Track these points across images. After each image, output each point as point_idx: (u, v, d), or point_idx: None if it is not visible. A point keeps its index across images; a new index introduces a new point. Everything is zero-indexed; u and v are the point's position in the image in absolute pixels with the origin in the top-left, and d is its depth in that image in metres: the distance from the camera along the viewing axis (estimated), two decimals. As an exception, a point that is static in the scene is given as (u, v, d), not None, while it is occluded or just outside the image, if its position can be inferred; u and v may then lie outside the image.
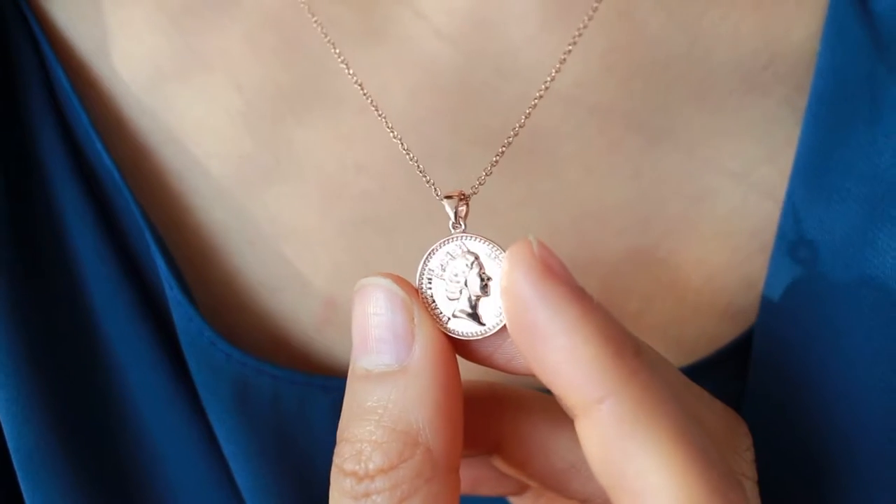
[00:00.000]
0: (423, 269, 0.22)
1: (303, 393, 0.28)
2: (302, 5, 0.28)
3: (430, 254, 0.22)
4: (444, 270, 0.22)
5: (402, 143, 0.25)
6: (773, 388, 0.27)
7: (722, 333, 0.30)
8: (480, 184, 0.24)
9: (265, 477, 0.28)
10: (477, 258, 0.21)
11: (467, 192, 0.23)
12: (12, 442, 0.28)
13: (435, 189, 0.24)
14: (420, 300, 0.20)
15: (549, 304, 0.18)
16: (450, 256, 0.22)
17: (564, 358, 0.18)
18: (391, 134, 0.25)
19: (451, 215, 0.23)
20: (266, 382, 0.28)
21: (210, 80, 0.30)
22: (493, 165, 0.24)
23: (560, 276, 0.18)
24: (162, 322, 0.29)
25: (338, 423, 0.29)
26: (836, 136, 0.27)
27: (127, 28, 0.30)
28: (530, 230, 0.29)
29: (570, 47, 0.25)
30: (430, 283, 0.22)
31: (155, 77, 0.30)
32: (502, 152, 0.25)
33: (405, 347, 0.19)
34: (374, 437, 0.19)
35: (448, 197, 0.23)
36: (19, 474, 0.28)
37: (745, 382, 0.28)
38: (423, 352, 0.19)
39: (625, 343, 0.18)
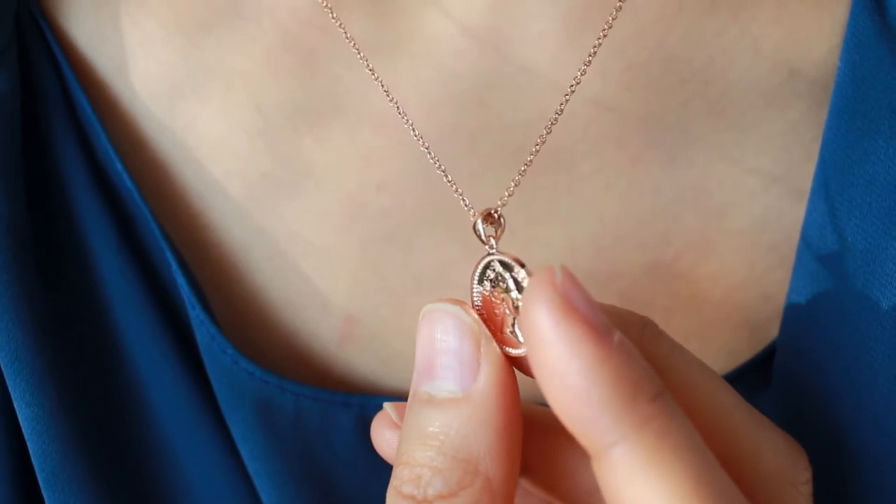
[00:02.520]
0: (473, 288, 0.22)
1: (324, 410, 0.29)
2: (315, 26, 0.28)
3: (475, 273, 0.22)
4: (489, 288, 0.21)
5: (433, 158, 0.25)
6: (796, 403, 0.27)
7: (741, 347, 0.30)
8: (510, 195, 0.24)
9: (288, 493, 0.29)
10: (512, 278, 0.21)
11: (496, 208, 0.23)
12: (37, 460, 0.28)
13: (465, 201, 0.24)
14: (486, 328, 0.20)
15: (565, 343, 0.18)
16: (491, 273, 0.22)
17: (577, 398, 0.17)
18: (423, 149, 0.25)
19: (482, 234, 0.23)
20: (288, 400, 0.28)
21: (229, 98, 0.30)
22: (521, 175, 0.24)
23: (581, 312, 0.18)
24: (185, 340, 0.30)
25: (358, 439, 0.29)
26: (857, 150, 0.27)
27: (146, 47, 0.30)
28: (550, 246, 0.29)
29: (585, 67, 0.25)
30: (479, 301, 0.22)
31: (174, 96, 0.30)
32: (530, 161, 0.24)
33: (470, 375, 0.20)
34: (434, 464, 0.19)
35: (488, 216, 0.23)
36: (44, 492, 0.28)
37: (767, 397, 0.28)
38: (487, 381, 0.19)
39: (642, 387, 0.18)
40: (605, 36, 0.26)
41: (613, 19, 0.26)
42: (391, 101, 0.26)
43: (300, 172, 0.30)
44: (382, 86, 0.26)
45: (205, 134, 0.30)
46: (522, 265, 0.21)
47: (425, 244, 0.29)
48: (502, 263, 0.21)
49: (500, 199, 0.23)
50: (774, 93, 0.28)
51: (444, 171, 0.25)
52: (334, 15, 0.27)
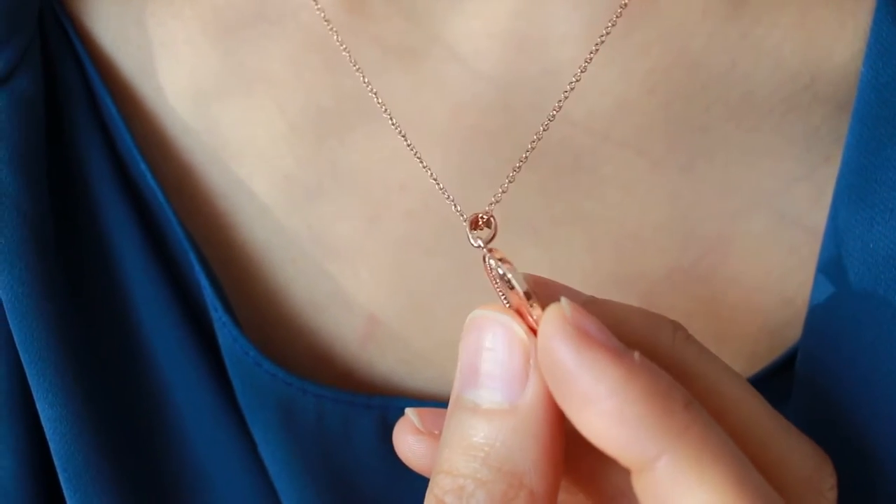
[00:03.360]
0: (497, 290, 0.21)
1: (346, 412, 0.29)
2: (339, 29, 0.29)
3: (493, 276, 0.22)
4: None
5: (423, 165, 0.25)
6: (819, 409, 0.27)
7: (760, 350, 0.30)
8: (496, 201, 0.24)
9: (309, 495, 0.29)
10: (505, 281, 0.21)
11: (483, 213, 0.23)
12: (60, 461, 0.28)
13: (456, 207, 0.24)
14: (535, 340, 0.20)
15: (590, 370, 0.18)
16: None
17: (613, 421, 0.18)
18: (415, 157, 0.25)
19: (471, 240, 0.23)
20: (310, 402, 0.28)
21: (253, 100, 0.30)
22: (515, 172, 0.24)
23: (597, 339, 0.18)
24: (208, 341, 0.30)
25: (380, 442, 0.29)
26: (879, 155, 0.27)
27: (170, 49, 0.30)
28: (571, 247, 0.30)
29: (586, 63, 0.25)
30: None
31: (198, 98, 0.30)
32: (519, 167, 0.25)
33: (518, 388, 0.19)
34: (478, 475, 0.19)
35: (474, 222, 0.23)
36: (67, 493, 0.28)
37: (788, 403, 0.28)
38: (535, 395, 0.19)
39: (673, 397, 0.18)
40: (607, 32, 0.26)
41: (618, 17, 0.26)
42: (388, 116, 0.26)
43: (323, 174, 0.30)
44: (379, 102, 0.26)
45: (229, 135, 0.30)
46: (506, 262, 0.21)
47: (447, 246, 0.30)
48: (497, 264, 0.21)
49: (490, 201, 0.24)
50: (796, 97, 0.29)
51: (435, 179, 0.25)
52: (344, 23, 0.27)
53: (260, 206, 0.30)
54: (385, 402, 0.29)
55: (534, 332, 0.20)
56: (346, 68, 0.30)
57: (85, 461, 0.28)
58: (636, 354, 0.18)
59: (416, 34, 0.29)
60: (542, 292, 0.21)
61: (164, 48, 0.30)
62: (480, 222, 0.23)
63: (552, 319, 0.18)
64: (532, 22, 0.28)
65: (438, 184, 0.25)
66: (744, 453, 0.19)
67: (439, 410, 0.22)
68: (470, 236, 0.23)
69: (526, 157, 0.25)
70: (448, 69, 0.29)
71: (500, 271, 0.21)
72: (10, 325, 0.28)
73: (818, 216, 0.29)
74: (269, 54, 0.30)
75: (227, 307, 0.29)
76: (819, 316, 0.27)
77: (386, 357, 0.30)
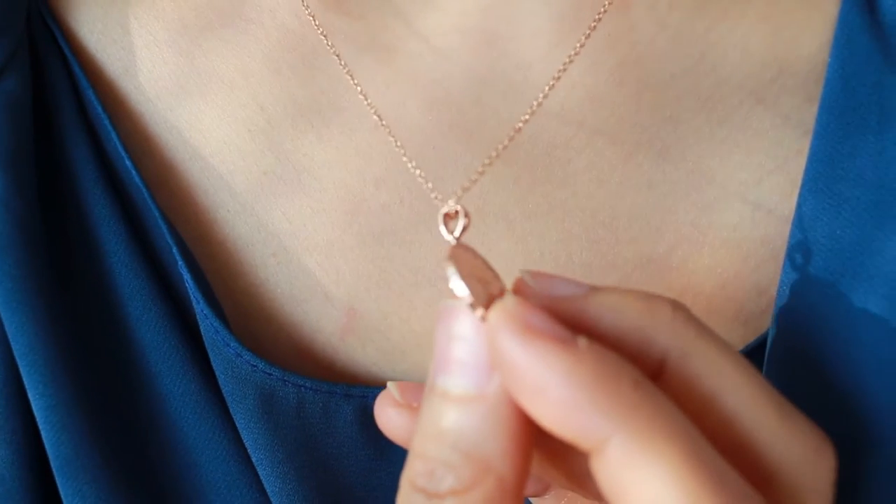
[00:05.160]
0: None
1: (326, 401, 0.29)
2: (315, 26, 0.29)
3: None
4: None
5: (400, 148, 0.26)
6: (789, 394, 0.27)
7: (734, 340, 0.30)
8: (464, 190, 0.24)
9: (291, 483, 0.29)
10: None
11: (455, 208, 0.23)
12: (51, 449, 0.29)
13: (436, 196, 0.24)
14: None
15: (536, 361, 0.18)
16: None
17: (564, 406, 0.18)
18: (396, 145, 0.26)
19: (444, 233, 0.23)
20: (291, 391, 0.29)
21: (232, 97, 0.31)
22: (480, 174, 0.24)
23: (542, 330, 0.19)
24: (193, 333, 0.31)
25: (360, 430, 0.30)
26: (846, 145, 0.27)
27: (152, 49, 0.31)
28: (545, 239, 0.30)
29: (571, 58, 0.25)
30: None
31: (180, 95, 0.31)
32: (495, 156, 0.25)
33: (486, 375, 0.20)
34: (448, 460, 0.19)
35: (445, 216, 0.23)
36: (58, 480, 0.29)
37: None
38: (502, 381, 0.19)
39: (621, 379, 0.18)
40: (591, 30, 0.26)
41: (596, 21, 0.26)
42: (370, 107, 0.26)
43: (301, 169, 0.30)
44: (362, 92, 0.27)
45: (209, 132, 0.31)
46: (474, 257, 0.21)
47: (424, 238, 0.30)
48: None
49: (458, 192, 0.24)
50: (765, 88, 0.29)
51: (415, 166, 0.25)
52: (317, 22, 0.27)
53: (240, 201, 0.31)
54: (365, 392, 0.30)
55: None
56: (322, 64, 0.30)
57: (74, 450, 0.29)
58: (582, 340, 0.19)
59: (391, 31, 0.30)
60: (542, 285, 0.21)
61: (146, 49, 0.31)
62: (453, 214, 0.23)
63: (497, 316, 0.19)
64: (503, 18, 0.29)
65: (421, 175, 0.25)
66: (739, 431, 0.19)
67: (419, 385, 0.23)
68: (444, 231, 0.23)
69: (503, 149, 0.25)
70: (422, 65, 0.29)
71: (448, 279, 0.21)
72: (3, 320, 0.29)
73: (790, 207, 0.30)
74: (247, 52, 0.30)
75: (210, 300, 0.30)
76: (788, 303, 0.28)
77: (366, 348, 0.31)
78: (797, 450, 0.21)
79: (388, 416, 0.23)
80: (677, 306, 0.21)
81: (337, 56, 0.30)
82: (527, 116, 0.25)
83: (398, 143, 0.26)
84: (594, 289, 0.21)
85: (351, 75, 0.30)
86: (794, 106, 0.29)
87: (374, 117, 0.30)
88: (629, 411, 0.18)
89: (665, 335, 0.20)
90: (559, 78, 0.26)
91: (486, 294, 0.21)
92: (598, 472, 0.18)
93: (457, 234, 0.23)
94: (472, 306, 0.20)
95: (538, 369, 0.18)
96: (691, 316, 0.21)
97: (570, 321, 0.20)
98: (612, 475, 0.18)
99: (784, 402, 0.21)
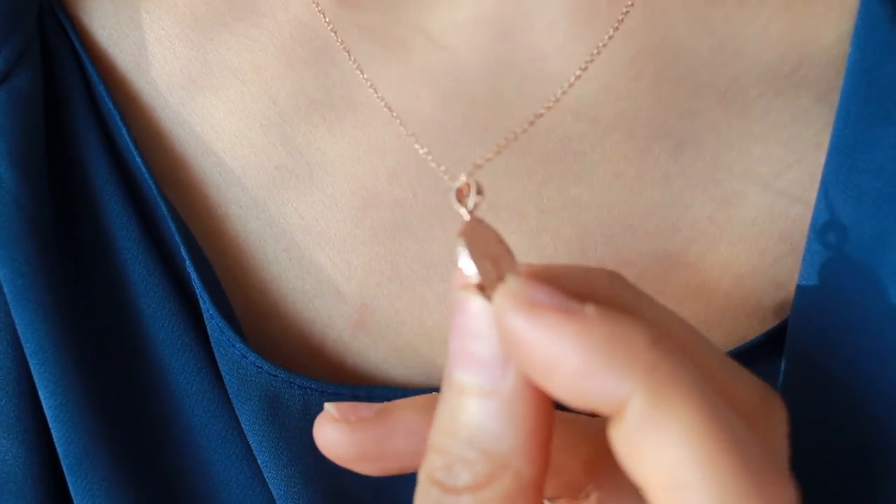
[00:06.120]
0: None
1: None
2: (327, 20, 0.29)
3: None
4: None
5: (407, 131, 0.25)
6: (807, 386, 0.27)
7: (751, 335, 0.30)
8: (476, 167, 0.23)
9: (297, 486, 0.29)
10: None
11: (467, 182, 0.23)
12: (62, 448, 0.29)
13: (445, 176, 0.24)
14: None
15: (545, 334, 0.18)
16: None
17: (579, 377, 0.18)
18: (407, 136, 0.25)
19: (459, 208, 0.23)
20: (296, 394, 0.29)
21: (245, 91, 0.30)
22: (496, 153, 0.24)
23: (547, 304, 0.18)
24: (203, 331, 0.30)
25: None
26: (866, 137, 0.27)
27: (164, 43, 0.31)
28: (559, 234, 0.30)
29: (593, 57, 0.25)
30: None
31: (192, 90, 0.31)
32: (513, 138, 0.24)
33: (500, 370, 0.19)
34: (465, 455, 0.19)
35: (458, 192, 0.23)
36: (69, 479, 0.29)
37: (777, 376, 0.28)
38: (517, 376, 0.19)
39: (635, 339, 0.18)
40: (615, 30, 0.26)
41: (623, 14, 0.26)
42: (381, 101, 0.26)
43: (314, 164, 0.30)
44: (370, 85, 0.26)
45: (221, 127, 0.30)
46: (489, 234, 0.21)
47: (437, 233, 0.30)
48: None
49: (470, 168, 0.23)
50: (784, 81, 0.28)
51: (429, 158, 0.25)
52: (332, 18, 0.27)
53: (252, 196, 0.30)
54: (371, 392, 0.29)
55: None
56: (335, 58, 0.30)
57: (84, 448, 0.29)
58: (589, 308, 0.18)
59: (404, 24, 0.29)
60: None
61: (158, 43, 0.31)
62: (466, 190, 0.23)
63: (501, 298, 0.19)
64: (517, 10, 0.28)
65: (433, 160, 0.25)
66: None
67: (356, 404, 0.23)
68: (457, 206, 0.23)
69: (522, 132, 0.24)
70: (435, 58, 0.29)
71: (458, 257, 0.21)
72: (13, 318, 0.29)
73: (809, 201, 0.29)
74: (259, 45, 0.30)
75: (217, 299, 0.29)
76: (807, 296, 0.27)
77: (377, 345, 0.30)
78: (748, 402, 0.21)
79: (325, 433, 0.23)
80: (613, 275, 0.21)
81: (348, 51, 0.30)
82: (543, 111, 0.25)
83: (412, 137, 0.26)
84: (530, 266, 0.21)
85: (363, 69, 0.29)
86: (813, 98, 0.29)
87: (387, 111, 0.30)
88: (647, 369, 0.18)
89: (604, 297, 0.20)
90: (580, 76, 0.25)
91: (496, 275, 0.20)
92: (617, 437, 0.18)
93: (470, 207, 0.22)
94: (481, 287, 0.20)
95: (548, 342, 0.18)
96: (629, 284, 0.21)
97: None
98: (632, 438, 0.18)
99: (731, 361, 0.21)
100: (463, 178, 0.23)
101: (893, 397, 0.26)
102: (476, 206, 0.22)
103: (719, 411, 0.17)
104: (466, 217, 0.22)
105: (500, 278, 0.20)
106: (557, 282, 0.20)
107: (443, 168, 0.24)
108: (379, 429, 0.23)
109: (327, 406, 0.23)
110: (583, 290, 0.20)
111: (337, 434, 0.22)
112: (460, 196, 0.23)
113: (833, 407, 0.27)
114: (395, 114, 0.28)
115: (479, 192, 0.22)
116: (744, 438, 0.17)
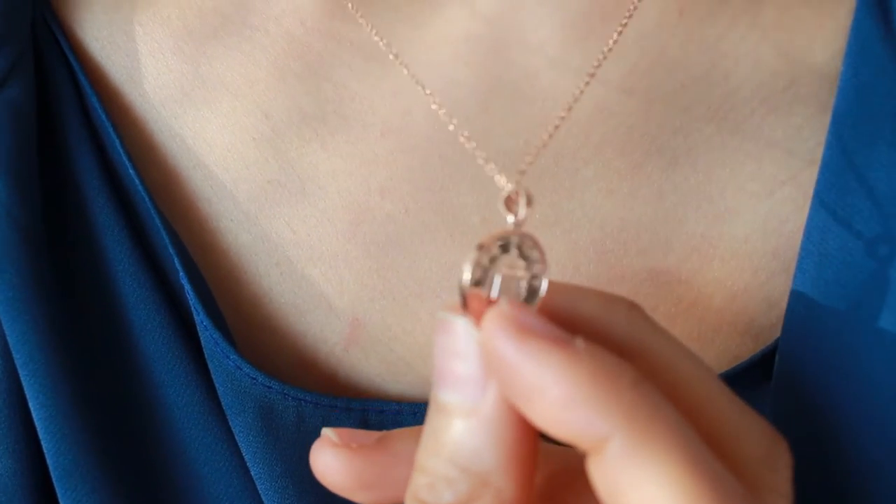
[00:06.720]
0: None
1: (326, 415, 0.29)
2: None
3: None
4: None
5: (461, 134, 0.24)
6: (796, 405, 0.27)
7: (744, 353, 0.30)
8: (521, 174, 0.23)
9: (290, 498, 0.29)
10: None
11: (515, 189, 0.22)
12: (51, 459, 0.29)
13: (497, 179, 0.23)
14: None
15: (533, 361, 0.18)
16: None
17: (562, 408, 0.18)
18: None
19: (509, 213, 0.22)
20: (290, 405, 0.29)
21: (237, 105, 0.30)
22: (536, 154, 0.24)
23: (538, 331, 0.18)
24: (196, 343, 0.30)
25: None
26: (859, 156, 0.27)
27: (157, 56, 0.31)
28: (552, 251, 0.30)
29: (589, 79, 0.25)
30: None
31: (184, 103, 0.31)
32: (554, 129, 0.24)
33: (479, 388, 0.20)
34: (446, 473, 0.19)
35: (507, 200, 0.22)
36: (58, 491, 0.29)
37: (765, 399, 0.28)
38: (496, 395, 0.19)
39: (619, 378, 0.18)
40: (609, 50, 0.26)
41: (618, 33, 0.26)
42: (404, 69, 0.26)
43: (305, 178, 0.30)
44: (400, 65, 0.26)
45: (213, 140, 0.30)
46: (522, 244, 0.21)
47: (429, 249, 0.30)
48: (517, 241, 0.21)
49: (519, 171, 0.23)
50: (777, 98, 0.28)
51: (474, 147, 0.24)
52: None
53: (244, 210, 0.30)
54: (365, 405, 0.29)
55: None
56: (328, 72, 0.30)
57: (74, 460, 0.29)
58: (578, 341, 0.18)
59: (396, 40, 0.29)
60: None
61: (150, 55, 0.31)
62: (516, 198, 0.22)
63: (492, 319, 0.19)
64: (510, 27, 0.28)
65: (471, 143, 0.24)
66: (698, 429, 0.19)
67: (355, 430, 0.23)
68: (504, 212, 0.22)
69: (562, 120, 0.24)
70: (428, 74, 0.29)
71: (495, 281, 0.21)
72: (4, 328, 0.29)
73: (802, 219, 0.29)
74: (252, 59, 0.30)
75: (210, 310, 0.29)
76: (798, 316, 0.27)
77: (369, 360, 0.30)
78: (755, 446, 0.21)
79: (325, 460, 0.23)
80: (632, 306, 0.21)
81: (343, 64, 0.30)
82: (563, 114, 0.24)
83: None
84: (552, 284, 0.21)
85: (357, 83, 0.29)
86: (806, 116, 0.29)
87: (379, 126, 0.29)
88: (628, 411, 0.18)
89: (622, 330, 0.20)
90: (578, 100, 0.25)
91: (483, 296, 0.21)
92: (596, 473, 0.18)
93: (521, 217, 0.22)
94: (465, 306, 0.20)
95: (536, 369, 0.18)
96: (647, 316, 0.21)
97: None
98: (611, 476, 0.18)
99: (740, 402, 0.21)
100: (510, 186, 0.22)
101: (883, 418, 0.25)
102: (525, 216, 0.22)
103: (700, 455, 0.18)
104: (512, 225, 0.22)
105: (486, 301, 0.20)
106: (575, 305, 0.20)
107: (484, 158, 0.24)
108: (379, 457, 0.23)
109: (326, 431, 0.23)
110: (600, 316, 0.20)
111: (336, 461, 0.22)
112: (509, 203, 0.22)
113: (821, 428, 0.27)
114: (389, 131, 0.27)
115: (529, 201, 0.22)
116: (724, 482, 0.18)
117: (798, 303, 0.28)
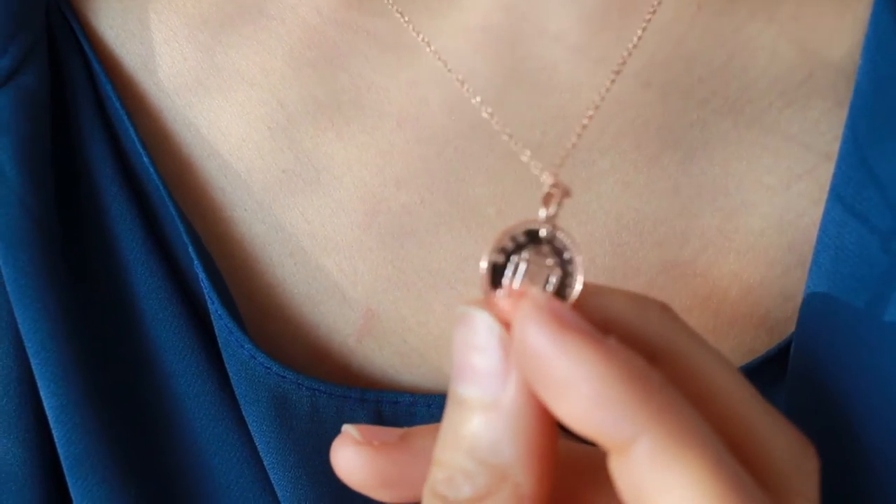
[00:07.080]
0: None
1: (340, 406, 0.29)
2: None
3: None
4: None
5: (492, 119, 0.24)
6: (810, 400, 0.27)
7: (759, 346, 0.30)
8: (558, 167, 0.22)
9: (303, 488, 0.29)
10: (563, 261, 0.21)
11: (554, 182, 0.22)
12: (62, 448, 0.29)
13: (533, 165, 0.23)
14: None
15: (566, 354, 0.18)
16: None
17: (592, 405, 0.18)
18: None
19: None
20: (305, 395, 0.29)
21: (252, 94, 0.30)
22: (574, 145, 0.24)
23: (572, 324, 0.18)
24: (208, 332, 0.30)
25: None
26: (875, 150, 0.27)
27: (172, 44, 0.31)
28: None
29: (614, 76, 0.25)
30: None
31: (199, 92, 0.31)
32: (586, 122, 0.24)
33: (499, 382, 0.19)
34: (464, 467, 0.19)
35: (547, 196, 0.22)
36: (69, 480, 0.29)
37: (782, 393, 0.28)
38: (517, 389, 0.19)
39: (650, 379, 0.18)
40: (634, 46, 0.26)
41: (642, 29, 0.26)
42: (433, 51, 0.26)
43: (321, 168, 0.30)
44: (431, 50, 0.26)
45: (228, 129, 0.30)
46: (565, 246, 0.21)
47: (444, 240, 0.30)
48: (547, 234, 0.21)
49: (555, 164, 0.22)
50: (794, 91, 0.28)
51: (509, 135, 0.24)
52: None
53: (258, 200, 0.30)
54: (380, 396, 0.29)
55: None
56: (344, 62, 0.30)
57: (85, 449, 0.29)
58: (611, 340, 0.18)
59: (412, 30, 0.29)
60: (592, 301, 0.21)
61: (165, 44, 0.31)
62: (550, 197, 0.22)
63: (527, 308, 0.19)
64: (525, 18, 0.28)
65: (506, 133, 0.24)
66: (728, 434, 0.19)
67: (377, 427, 0.23)
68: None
69: (592, 115, 0.24)
70: (444, 64, 0.29)
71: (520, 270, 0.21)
72: (16, 317, 0.29)
73: (818, 212, 0.29)
74: (267, 48, 0.30)
75: (225, 299, 0.29)
76: (813, 310, 0.27)
77: (383, 351, 0.30)
78: (784, 452, 0.21)
79: (347, 457, 0.23)
80: (665, 308, 0.21)
81: (359, 53, 0.29)
82: (596, 104, 0.24)
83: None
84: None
85: (373, 73, 0.29)
86: (824, 110, 0.29)
87: (395, 116, 0.29)
88: (657, 413, 0.18)
89: (654, 332, 0.20)
90: (604, 99, 0.25)
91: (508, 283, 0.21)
92: (619, 472, 0.18)
93: (551, 213, 0.22)
94: (486, 298, 0.20)
95: (569, 364, 0.18)
96: (679, 319, 0.21)
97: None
98: (636, 477, 0.18)
99: (771, 407, 0.21)
100: (551, 179, 0.22)
101: (894, 417, 0.25)
102: (556, 210, 0.22)
103: (724, 459, 0.18)
104: (543, 219, 0.22)
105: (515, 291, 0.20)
106: (607, 304, 0.20)
107: (521, 150, 0.24)
108: (402, 455, 0.22)
109: (347, 428, 0.23)
110: (632, 317, 0.20)
111: (358, 459, 0.22)
112: (548, 199, 0.22)
113: (836, 422, 0.27)
114: (405, 121, 0.27)
115: (566, 193, 0.22)
116: (746, 487, 0.18)
117: (813, 297, 0.28)
